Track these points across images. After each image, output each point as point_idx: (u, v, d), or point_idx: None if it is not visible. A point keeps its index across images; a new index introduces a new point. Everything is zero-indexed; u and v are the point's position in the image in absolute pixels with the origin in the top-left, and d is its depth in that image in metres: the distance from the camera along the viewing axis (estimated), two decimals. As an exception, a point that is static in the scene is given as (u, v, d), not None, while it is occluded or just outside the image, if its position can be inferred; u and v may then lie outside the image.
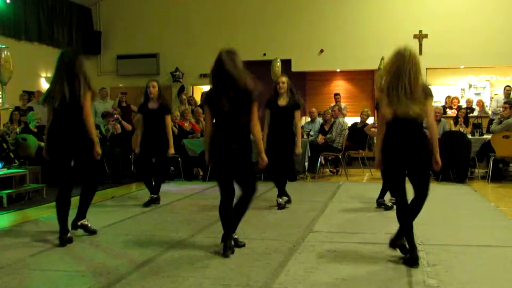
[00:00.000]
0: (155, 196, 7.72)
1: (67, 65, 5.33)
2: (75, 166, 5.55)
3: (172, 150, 7.75)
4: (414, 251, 4.48)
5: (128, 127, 11.51)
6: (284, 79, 7.43)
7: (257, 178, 5.27)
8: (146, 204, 7.59)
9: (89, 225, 5.76)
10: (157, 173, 7.86)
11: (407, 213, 4.68)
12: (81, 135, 5.33)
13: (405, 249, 4.60)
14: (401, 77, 4.37)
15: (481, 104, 13.91)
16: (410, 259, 4.47)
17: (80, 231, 5.74)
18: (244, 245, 5.09)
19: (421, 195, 4.67)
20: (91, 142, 5.38)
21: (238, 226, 5.11)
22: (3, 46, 8.88)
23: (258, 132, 4.97)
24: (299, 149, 7.54)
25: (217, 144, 4.87)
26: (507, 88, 12.26)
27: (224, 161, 4.87)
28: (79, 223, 5.76)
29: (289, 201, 7.48)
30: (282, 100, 7.32)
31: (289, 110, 7.30)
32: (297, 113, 7.38)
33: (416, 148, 4.57)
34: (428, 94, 4.48)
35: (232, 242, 4.90)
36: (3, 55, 8.87)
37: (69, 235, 5.41)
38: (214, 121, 4.91)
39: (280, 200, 7.31)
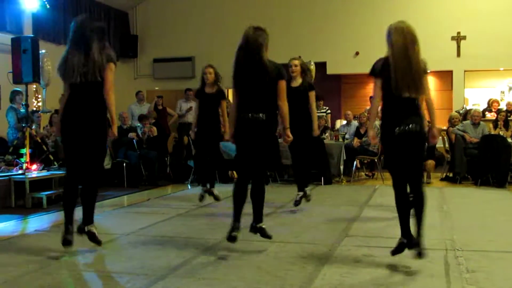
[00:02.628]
0: (210, 189, 7.79)
1: (82, 34, 4.84)
2: (83, 151, 4.91)
3: (227, 136, 7.59)
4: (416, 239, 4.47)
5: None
6: (296, 62, 7.35)
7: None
8: (200, 199, 7.73)
9: (96, 234, 5.08)
10: (211, 162, 7.92)
11: (406, 206, 4.58)
12: (98, 114, 4.88)
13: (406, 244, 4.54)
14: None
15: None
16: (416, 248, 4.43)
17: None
18: (270, 237, 5.11)
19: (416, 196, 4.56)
20: (106, 123, 4.93)
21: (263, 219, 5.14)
22: (43, 51, 9.05)
23: (285, 107, 5.05)
24: (316, 131, 7.39)
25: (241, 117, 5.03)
26: None
27: (247, 135, 5.00)
28: (86, 229, 5.10)
29: (304, 196, 7.23)
30: (295, 82, 7.22)
31: (302, 92, 7.13)
32: (311, 94, 7.22)
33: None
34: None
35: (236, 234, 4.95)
36: (45, 59, 9.06)
37: (70, 237, 4.91)
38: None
39: (298, 195, 7.20)
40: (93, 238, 5.05)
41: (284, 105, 5.06)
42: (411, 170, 4.52)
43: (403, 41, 4.50)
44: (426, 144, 4.82)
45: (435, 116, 4.75)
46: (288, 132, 5.16)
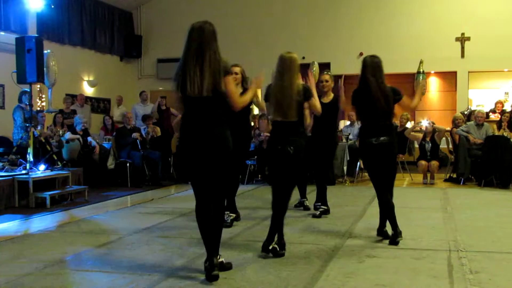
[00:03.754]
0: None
1: (196, 42, 4.25)
2: (207, 173, 4.27)
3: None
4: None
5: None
6: (327, 77, 7.36)
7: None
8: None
9: (224, 261, 4.46)
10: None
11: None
12: (220, 131, 4.22)
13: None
14: None
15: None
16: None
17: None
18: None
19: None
20: (229, 143, 4.27)
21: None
22: (48, 51, 9.07)
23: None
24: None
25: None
26: None
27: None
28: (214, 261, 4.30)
29: (325, 212, 7.05)
30: (325, 98, 7.25)
31: (332, 108, 7.17)
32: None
33: None
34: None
35: None
36: (49, 59, 9.08)
37: (215, 272, 4.19)
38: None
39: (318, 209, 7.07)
40: (222, 266, 4.38)
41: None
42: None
43: None
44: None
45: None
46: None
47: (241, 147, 6.21)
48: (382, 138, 5.36)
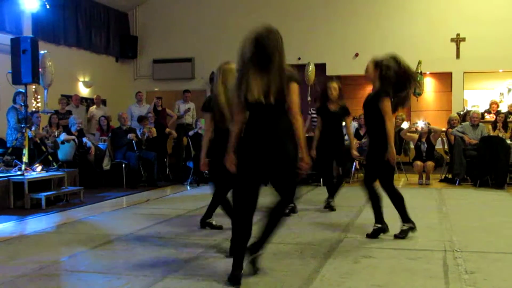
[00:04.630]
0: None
1: (263, 48, 4.08)
2: (271, 182, 4.25)
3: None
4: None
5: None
6: (335, 85, 7.46)
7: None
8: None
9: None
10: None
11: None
12: (283, 141, 4.10)
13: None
14: None
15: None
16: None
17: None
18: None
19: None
20: (295, 151, 4.15)
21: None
22: (44, 52, 9.06)
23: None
24: (355, 153, 8.17)
25: None
26: None
27: None
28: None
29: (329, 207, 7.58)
30: (333, 106, 7.39)
31: (339, 116, 7.53)
32: (348, 120, 7.79)
33: None
34: None
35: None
36: (46, 60, 9.07)
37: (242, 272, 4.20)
38: None
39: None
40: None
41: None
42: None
43: None
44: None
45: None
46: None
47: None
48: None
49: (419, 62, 13.27)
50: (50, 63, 9.13)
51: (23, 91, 8.87)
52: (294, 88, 4.09)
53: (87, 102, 14.25)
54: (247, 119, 4.17)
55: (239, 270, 4.10)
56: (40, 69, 8.78)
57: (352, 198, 8.70)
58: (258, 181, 4.17)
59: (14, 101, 9.47)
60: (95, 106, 13.25)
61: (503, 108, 13.56)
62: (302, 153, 4.14)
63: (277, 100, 4.04)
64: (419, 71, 13.36)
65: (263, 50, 4.06)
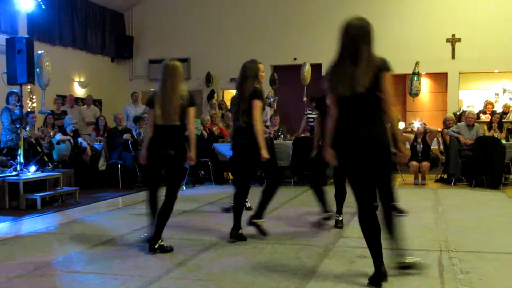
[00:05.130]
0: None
1: (351, 39, 4.04)
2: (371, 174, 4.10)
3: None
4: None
5: None
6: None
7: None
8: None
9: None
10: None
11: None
12: (378, 131, 3.99)
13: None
14: None
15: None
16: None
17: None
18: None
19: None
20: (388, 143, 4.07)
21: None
22: (41, 52, 9.04)
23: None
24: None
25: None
26: None
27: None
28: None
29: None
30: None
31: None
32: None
33: None
34: None
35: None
36: (43, 60, 9.05)
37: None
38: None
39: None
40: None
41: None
42: None
43: None
44: None
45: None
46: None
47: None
48: None
49: (417, 63, 13.30)
50: (47, 63, 9.10)
51: (16, 91, 8.84)
52: (387, 77, 3.98)
53: (83, 102, 14.22)
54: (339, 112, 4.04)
55: (383, 267, 4.02)
56: (37, 69, 8.77)
57: (348, 198, 8.69)
58: (368, 172, 4.02)
59: (7, 101, 9.43)
60: (85, 106, 13.14)
61: (498, 109, 13.59)
62: (398, 145, 4.13)
63: (369, 91, 3.92)
64: (417, 71, 13.39)
65: (352, 40, 4.00)
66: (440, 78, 15.12)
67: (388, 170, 4.21)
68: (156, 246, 5.07)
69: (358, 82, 3.92)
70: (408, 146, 11.10)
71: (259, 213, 5.72)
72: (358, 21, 4.10)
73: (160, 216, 5.19)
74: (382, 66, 3.98)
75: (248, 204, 7.31)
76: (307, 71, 13.43)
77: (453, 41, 14.31)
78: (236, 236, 5.49)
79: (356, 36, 4.00)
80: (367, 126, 3.97)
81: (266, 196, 5.70)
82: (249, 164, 5.62)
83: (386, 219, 4.19)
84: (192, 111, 5.26)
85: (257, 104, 5.44)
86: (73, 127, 10.62)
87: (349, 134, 4.01)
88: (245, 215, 5.69)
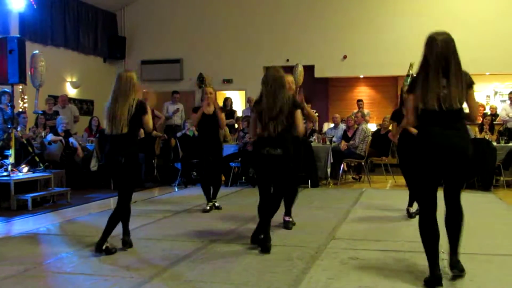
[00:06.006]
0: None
1: (444, 55, 4.17)
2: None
3: None
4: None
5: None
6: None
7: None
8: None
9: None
10: None
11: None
12: (464, 144, 4.18)
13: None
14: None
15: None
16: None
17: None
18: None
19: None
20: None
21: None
22: (36, 52, 8.99)
23: None
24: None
25: None
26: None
27: None
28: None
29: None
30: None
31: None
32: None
33: None
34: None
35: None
36: (38, 60, 8.99)
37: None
38: None
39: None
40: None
41: None
42: None
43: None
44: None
45: None
46: None
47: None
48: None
49: (411, 65, 13.30)
50: (42, 63, 9.04)
51: (8, 90, 8.79)
52: (473, 93, 4.18)
53: (75, 102, 14.17)
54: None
55: (438, 271, 4.11)
56: (32, 69, 8.73)
57: (340, 200, 8.73)
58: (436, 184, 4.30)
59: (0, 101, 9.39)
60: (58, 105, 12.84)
61: (489, 111, 13.65)
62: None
63: (455, 107, 4.08)
64: (410, 73, 13.40)
65: (441, 55, 4.11)
66: (433, 80, 15.15)
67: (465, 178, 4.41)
68: (103, 248, 5.11)
69: (456, 100, 4.07)
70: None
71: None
72: (445, 36, 4.22)
73: (109, 220, 5.27)
74: (469, 82, 4.18)
75: (217, 204, 7.55)
76: (299, 72, 13.43)
77: (445, 43, 14.33)
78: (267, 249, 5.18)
79: (446, 51, 4.13)
80: (454, 137, 4.10)
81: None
82: (288, 173, 5.43)
83: (453, 221, 4.42)
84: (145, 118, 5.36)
85: (300, 114, 5.43)
86: (63, 127, 10.57)
87: (435, 143, 4.08)
88: (217, 214, 5.69)
